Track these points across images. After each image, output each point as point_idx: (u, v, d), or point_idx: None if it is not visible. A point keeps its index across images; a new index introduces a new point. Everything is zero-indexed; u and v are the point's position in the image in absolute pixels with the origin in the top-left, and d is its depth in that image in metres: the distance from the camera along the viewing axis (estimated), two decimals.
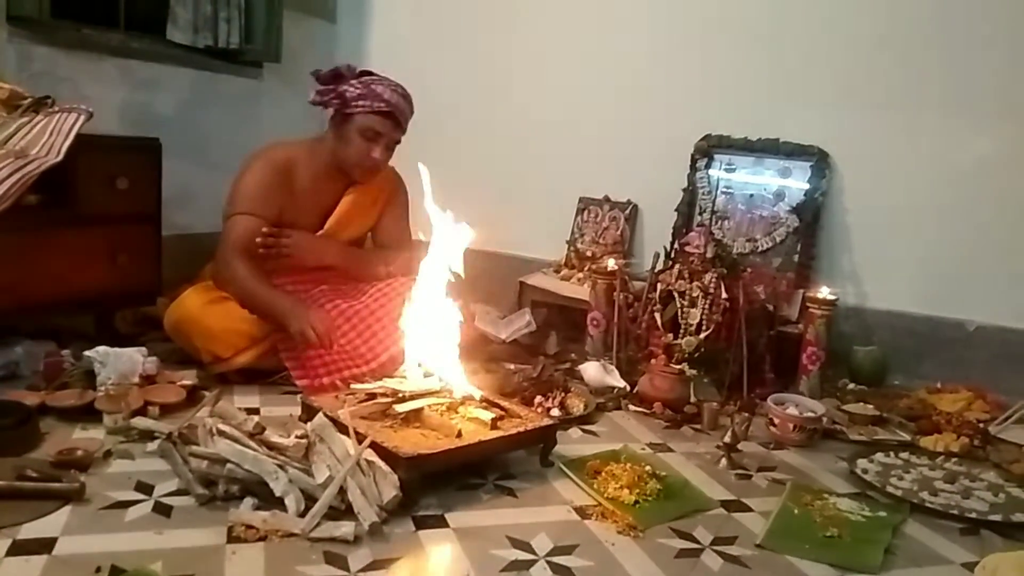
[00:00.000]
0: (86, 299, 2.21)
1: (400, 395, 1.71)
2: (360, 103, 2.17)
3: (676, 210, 2.90)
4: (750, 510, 1.61)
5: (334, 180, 2.30)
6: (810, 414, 2.02)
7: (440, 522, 1.45)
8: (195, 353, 2.09)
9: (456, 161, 3.29)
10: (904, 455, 1.94)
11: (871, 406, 2.23)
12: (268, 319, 2.08)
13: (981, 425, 2.14)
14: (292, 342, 2.06)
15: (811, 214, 2.69)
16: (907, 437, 2.09)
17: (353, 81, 2.20)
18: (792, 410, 2.03)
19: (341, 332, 2.14)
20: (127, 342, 2.07)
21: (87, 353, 1.92)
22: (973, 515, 1.63)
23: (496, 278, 2.99)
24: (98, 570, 1.19)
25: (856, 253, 2.71)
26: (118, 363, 1.89)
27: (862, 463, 1.87)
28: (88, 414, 1.75)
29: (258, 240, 2.12)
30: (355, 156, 2.21)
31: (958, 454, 1.97)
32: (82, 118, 2.05)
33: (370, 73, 2.24)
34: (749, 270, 2.57)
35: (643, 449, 1.90)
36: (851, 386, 2.49)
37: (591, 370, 2.32)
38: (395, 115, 2.20)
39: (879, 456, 1.93)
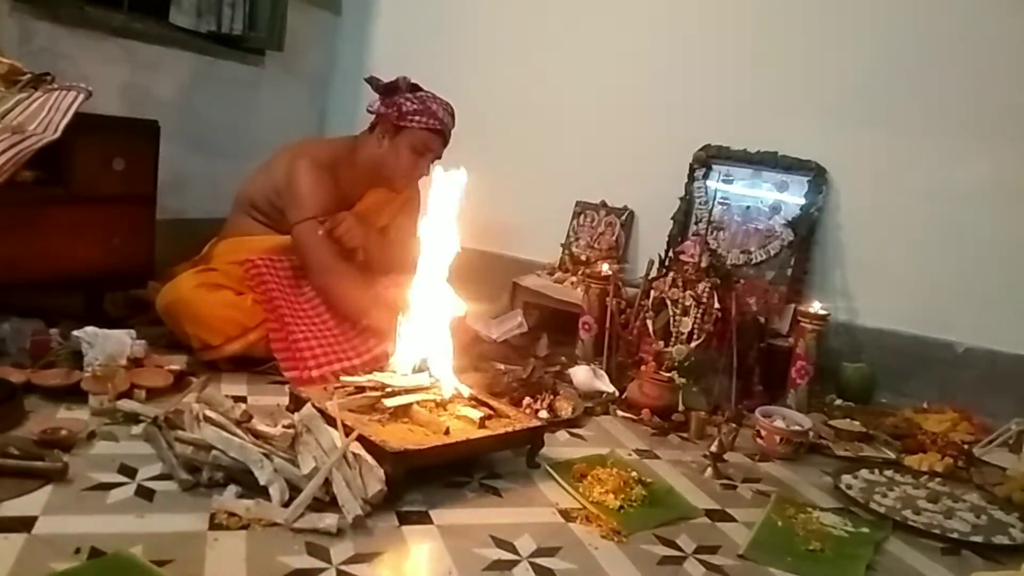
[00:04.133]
0: (77, 279, 2.19)
1: (389, 389, 1.70)
2: (416, 119, 2.26)
3: (672, 218, 2.90)
4: (734, 520, 1.61)
5: (364, 184, 2.37)
6: (797, 428, 2.03)
7: (424, 518, 1.44)
8: (185, 339, 2.08)
9: (455, 158, 3.29)
10: (888, 473, 1.95)
11: (857, 422, 2.23)
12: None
13: (966, 446, 2.15)
14: (282, 332, 2.05)
15: (806, 229, 2.70)
16: (892, 455, 2.10)
17: (408, 95, 2.28)
18: (779, 423, 2.03)
19: (336, 322, 2.15)
20: (116, 324, 2.05)
21: (75, 333, 1.90)
22: (955, 535, 1.64)
23: (489, 278, 2.98)
24: (77, 551, 1.18)
25: (849, 270, 2.72)
26: (106, 344, 1.87)
27: (846, 479, 1.87)
28: (73, 394, 1.74)
29: (323, 231, 2.19)
30: (403, 168, 2.31)
31: (942, 474, 1.97)
32: (81, 96, 2.04)
33: (418, 87, 2.33)
34: (742, 282, 2.58)
35: (630, 455, 1.90)
36: (838, 402, 2.50)
37: (581, 374, 2.32)
38: (445, 133, 2.30)
39: (864, 472, 1.93)
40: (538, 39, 3.21)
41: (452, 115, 2.33)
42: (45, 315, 2.09)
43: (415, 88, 2.33)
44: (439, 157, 2.34)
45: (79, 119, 1.99)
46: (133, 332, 1.97)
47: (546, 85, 3.19)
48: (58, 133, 1.95)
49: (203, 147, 2.88)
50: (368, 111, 2.33)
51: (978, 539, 1.63)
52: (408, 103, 2.26)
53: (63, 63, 2.40)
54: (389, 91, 2.29)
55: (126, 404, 1.69)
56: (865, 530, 1.62)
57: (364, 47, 3.46)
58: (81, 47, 2.52)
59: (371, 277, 2.32)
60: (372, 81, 2.31)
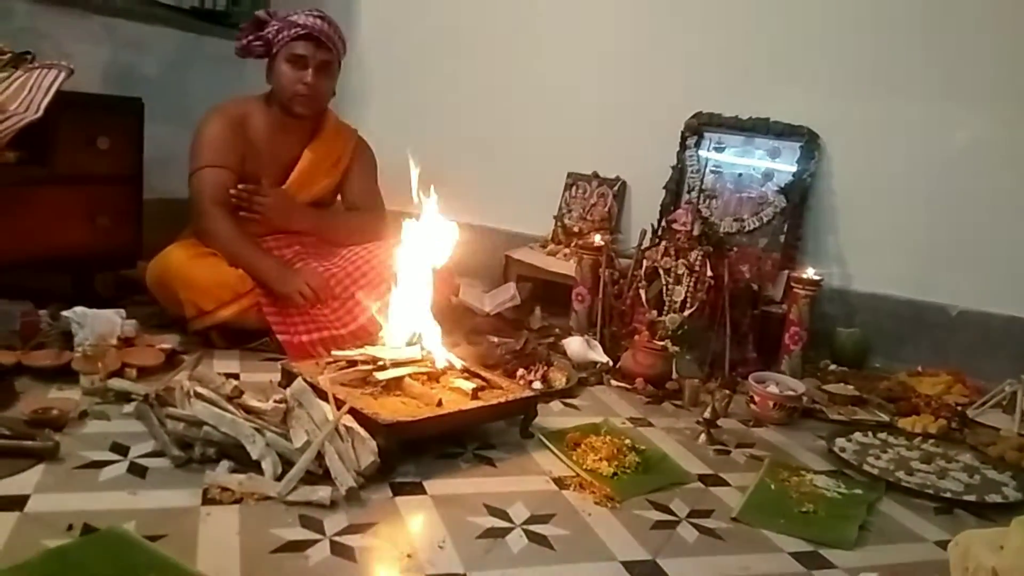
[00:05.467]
0: (65, 260, 2.18)
1: (381, 363, 1.70)
2: (280, 36, 2.19)
3: (664, 188, 2.89)
4: (727, 485, 1.61)
5: (289, 132, 2.30)
6: (790, 393, 2.03)
7: (418, 489, 1.44)
8: (177, 307, 2.07)
9: (446, 133, 3.27)
10: (882, 435, 1.96)
11: (851, 387, 2.23)
12: (253, 277, 2.10)
13: (959, 408, 2.16)
14: (275, 297, 2.08)
15: (798, 195, 2.69)
16: (886, 418, 2.10)
17: (274, 22, 2.21)
18: (773, 388, 2.04)
19: (327, 284, 2.15)
20: (106, 305, 2.03)
21: (65, 313, 1.90)
22: (948, 495, 1.65)
23: (482, 252, 2.97)
24: (70, 528, 1.18)
25: (842, 235, 2.71)
26: (96, 324, 1.87)
27: (840, 442, 1.88)
28: (64, 375, 1.73)
29: (232, 192, 2.15)
30: (288, 86, 2.21)
31: (935, 436, 1.98)
32: (63, 75, 2.02)
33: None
34: (735, 249, 2.58)
35: (623, 423, 1.90)
36: (832, 367, 2.50)
37: (574, 345, 2.31)
38: (315, 35, 2.18)
39: (857, 435, 1.94)
40: (527, 12, 3.16)
41: (322, 18, 2.20)
42: (34, 296, 2.07)
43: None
44: (327, 63, 2.23)
45: (61, 98, 1.97)
46: (123, 311, 1.96)
47: (536, 57, 3.15)
48: (40, 112, 1.93)
49: (189, 125, 2.82)
50: (237, 55, 2.26)
51: (971, 498, 1.64)
52: (272, 29, 2.20)
53: (43, 42, 2.36)
54: (258, 27, 2.22)
55: (117, 383, 1.68)
56: (858, 491, 1.63)
57: (349, 18, 3.40)
58: (61, 25, 2.48)
59: (328, 248, 2.32)
60: (240, 28, 2.25)
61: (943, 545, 1.41)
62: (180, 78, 2.90)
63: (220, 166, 2.16)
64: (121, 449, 1.46)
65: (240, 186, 2.16)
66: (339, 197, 2.47)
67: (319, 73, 2.21)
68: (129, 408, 1.60)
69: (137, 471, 1.39)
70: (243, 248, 2.12)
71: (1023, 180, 2.45)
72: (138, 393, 1.61)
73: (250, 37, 2.21)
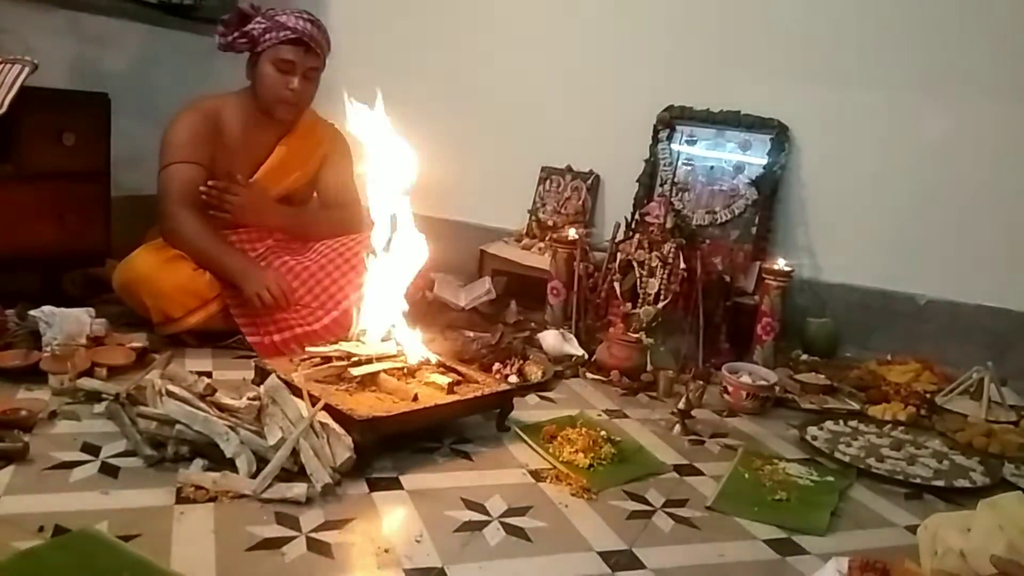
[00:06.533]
0: (32, 258, 2.15)
1: (355, 359, 1.69)
2: (267, 36, 2.13)
3: (638, 181, 2.90)
4: (702, 474, 1.63)
5: (264, 128, 2.26)
6: (763, 383, 2.06)
7: (394, 484, 1.44)
8: (144, 313, 2.04)
9: (418, 127, 3.25)
10: (853, 423, 1.99)
11: (822, 376, 2.26)
12: (220, 276, 2.06)
13: (928, 395, 2.19)
14: (243, 299, 2.05)
15: (769, 187, 2.71)
16: (856, 406, 2.13)
17: (258, 18, 2.16)
18: (745, 378, 2.06)
19: (291, 290, 2.13)
20: (75, 304, 2.00)
21: (32, 313, 1.87)
22: (917, 480, 1.67)
23: (457, 246, 2.96)
24: (41, 529, 1.16)
25: (812, 227, 2.74)
26: (65, 323, 1.84)
27: (812, 430, 1.90)
28: (33, 375, 1.70)
29: (202, 189, 2.10)
30: (273, 90, 2.17)
31: (905, 423, 2.02)
32: (27, 70, 1.98)
33: (270, 9, 2.20)
34: (707, 241, 2.60)
35: (599, 415, 1.91)
36: (804, 357, 2.53)
37: (550, 338, 2.32)
38: (304, 41, 2.14)
39: (829, 424, 1.96)
40: (500, 6, 3.16)
41: (312, 22, 2.17)
42: (0, 295, 2.04)
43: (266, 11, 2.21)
44: (313, 69, 2.20)
45: (25, 93, 1.94)
46: (92, 310, 1.94)
47: (509, 52, 3.15)
48: (4, 108, 1.91)
49: (157, 121, 2.79)
50: (220, 49, 2.21)
51: (940, 483, 1.67)
52: (258, 26, 2.14)
53: (6, 36, 2.31)
54: (243, 22, 2.16)
55: (87, 383, 1.66)
56: (830, 478, 1.65)
57: (319, 11, 3.36)
58: (25, 19, 2.43)
59: (302, 242, 2.29)
60: (223, 22, 2.19)
61: (913, 529, 1.43)
62: (147, 73, 2.86)
63: (190, 162, 2.11)
64: (92, 449, 1.44)
65: (211, 183, 2.11)
66: (315, 194, 2.44)
67: (305, 80, 2.18)
68: (100, 408, 1.58)
69: (109, 471, 1.37)
70: (209, 245, 2.07)
71: (990, 170, 2.49)
72: (109, 392, 1.59)
73: (235, 34, 2.15)
